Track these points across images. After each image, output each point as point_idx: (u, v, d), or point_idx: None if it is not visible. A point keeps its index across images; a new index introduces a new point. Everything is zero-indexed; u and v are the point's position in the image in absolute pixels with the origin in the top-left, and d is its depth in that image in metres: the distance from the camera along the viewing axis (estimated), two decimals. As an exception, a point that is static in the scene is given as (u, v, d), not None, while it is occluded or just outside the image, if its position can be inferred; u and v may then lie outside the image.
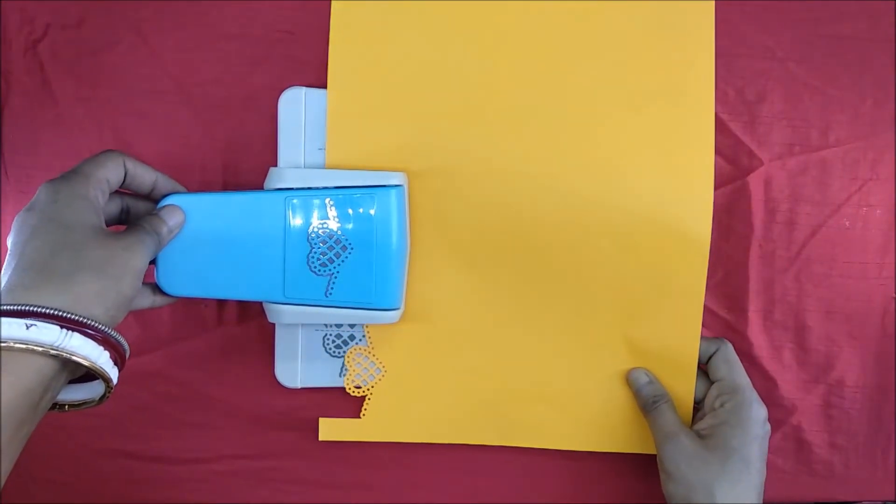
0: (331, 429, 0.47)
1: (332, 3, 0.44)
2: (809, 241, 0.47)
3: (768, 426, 0.44)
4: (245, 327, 0.48)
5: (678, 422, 0.44)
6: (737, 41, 0.46)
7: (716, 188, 0.47)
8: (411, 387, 0.46)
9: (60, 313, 0.31)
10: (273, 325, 0.46)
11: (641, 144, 0.45)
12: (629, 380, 0.46)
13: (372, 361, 0.46)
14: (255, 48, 0.47)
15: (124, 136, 0.47)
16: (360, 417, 0.47)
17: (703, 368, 0.46)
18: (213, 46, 0.47)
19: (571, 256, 0.45)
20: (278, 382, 0.47)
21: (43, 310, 0.30)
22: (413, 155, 0.44)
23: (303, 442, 0.48)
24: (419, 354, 0.46)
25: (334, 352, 0.46)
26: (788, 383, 0.48)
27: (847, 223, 0.47)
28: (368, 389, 0.46)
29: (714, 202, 0.47)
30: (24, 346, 0.30)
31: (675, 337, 0.45)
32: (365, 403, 0.47)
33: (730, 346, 0.45)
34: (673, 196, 0.45)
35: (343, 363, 0.46)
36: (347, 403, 0.47)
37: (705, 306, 0.46)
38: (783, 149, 0.47)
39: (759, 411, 0.43)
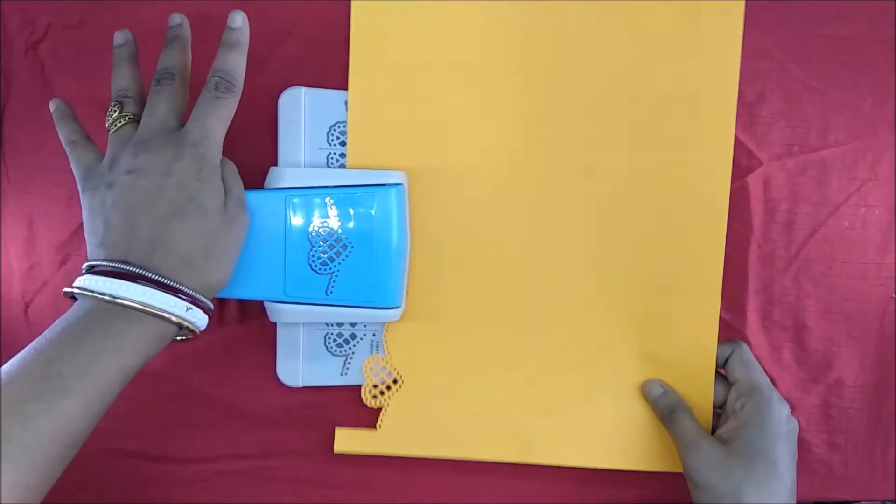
0: (347, 440, 0.46)
1: (352, 3, 0.44)
2: (808, 242, 0.47)
3: (793, 423, 0.43)
4: (246, 326, 0.48)
5: (698, 429, 0.43)
6: (736, 41, 0.46)
7: (715, 188, 0.47)
8: (428, 398, 0.46)
9: (202, 300, 0.37)
10: (274, 323, 0.46)
11: (657, 145, 0.45)
12: (643, 392, 0.46)
13: (389, 371, 0.46)
14: (255, 48, 0.46)
15: (125, 135, 0.47)
16: (375, 428, 0.46)
17: (722, 373, 0.46)
18: (213, 46, 0.47)
19: (586, 267, 0.45)
20: (280, 381, 0.47)
21: (194, 296, 0.37)
22: (431, 154, 0.45)
23: (304, 441, 0.48)
24: (435, 365, 0.46)
25: (336, 350, 0.46)
26: (787, 383, 0.48)
27: (846, 223, 0.47)
28: (385, 400, 0.46)
29: (714, 202, 0.47)
30: (182, 321, 0.36)
31: (691, 344, 0.45)
32: (381, 414, 0.46)
33: (745, 346, 0.45)
34: (688, 200, 0.45)
35: (344, 362, 0.46)
36: (349, 403, 0.47)
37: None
38: (782, 149, 0.47)
39: (780, 409, 0.42)
